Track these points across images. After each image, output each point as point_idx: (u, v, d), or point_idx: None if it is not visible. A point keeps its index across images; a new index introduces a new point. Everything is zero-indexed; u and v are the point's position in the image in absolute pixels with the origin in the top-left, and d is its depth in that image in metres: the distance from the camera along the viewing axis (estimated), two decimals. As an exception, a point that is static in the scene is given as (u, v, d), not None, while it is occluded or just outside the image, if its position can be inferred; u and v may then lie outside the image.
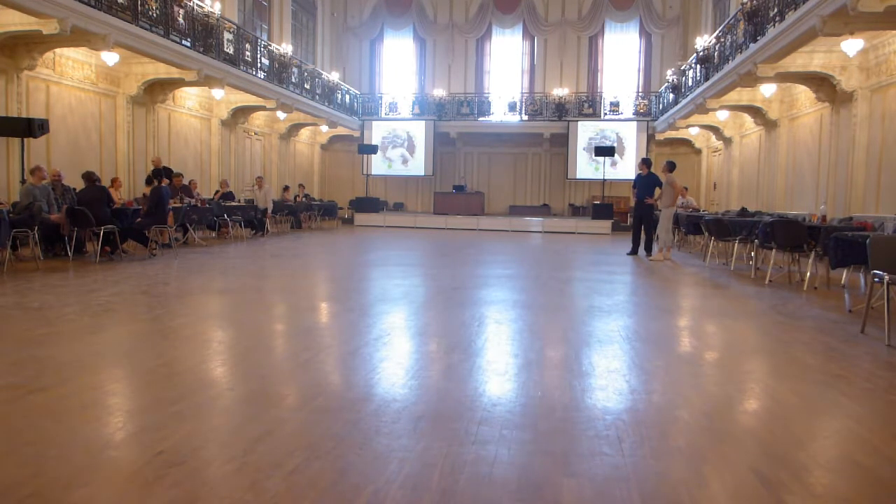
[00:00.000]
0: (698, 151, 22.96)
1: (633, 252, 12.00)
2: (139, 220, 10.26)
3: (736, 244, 9.97)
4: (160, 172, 11.34)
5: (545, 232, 19.58)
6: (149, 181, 11.57)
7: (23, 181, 9.63)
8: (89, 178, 9.50)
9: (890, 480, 2.55)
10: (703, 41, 16.74)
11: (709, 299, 7.39)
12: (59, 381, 3.55)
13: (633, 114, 23.49)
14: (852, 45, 10.14)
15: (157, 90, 14.42)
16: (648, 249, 11.92)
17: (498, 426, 2.98)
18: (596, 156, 21.47)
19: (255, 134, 20.23)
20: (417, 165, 24.76)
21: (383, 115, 25.05)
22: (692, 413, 3.26)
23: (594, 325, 5.48)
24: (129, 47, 11.55)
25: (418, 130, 24.56)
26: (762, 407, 3.50)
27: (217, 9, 14.71)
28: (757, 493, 2.37)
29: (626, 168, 22.49)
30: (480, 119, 24.37)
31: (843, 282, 8.03)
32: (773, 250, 8.52)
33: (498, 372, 3.95)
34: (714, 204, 20.60)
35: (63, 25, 9.68)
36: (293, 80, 18.96)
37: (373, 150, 22.59)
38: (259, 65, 16.92)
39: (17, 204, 9.13)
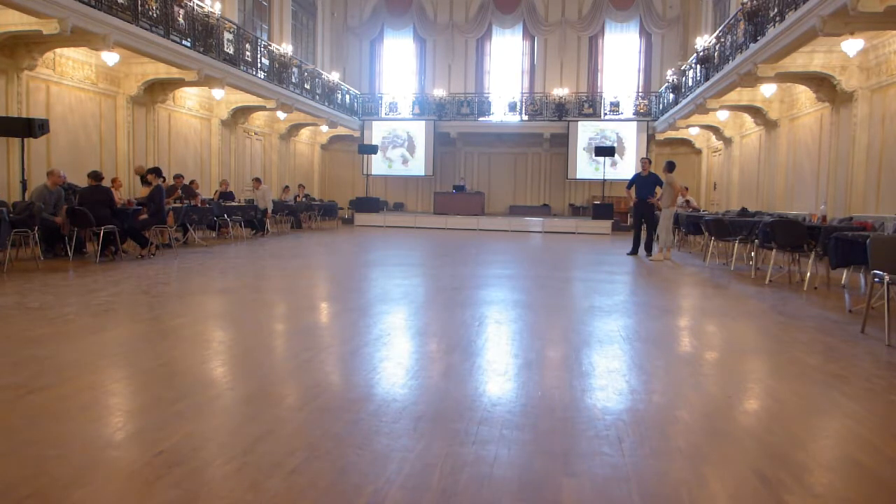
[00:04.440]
0: (698, 151, 22.96)
1: (634, 252, 12.00)
2: (141, 217, 10.26)
3: (736, 244, 9.97)
4: (158, 171, 11.33)
5: (545, 232, 19.58)
6: (145, 182, 11.56)
7: (23, 181, 9.64)
8: (95, 177, 9.49)
9: (890, 480, 2.55)
10: (703, 41, 16.75)
11: (709, 299, 7.39)
12: (59, 381, 3.55)
13: (633, 114, 23.50)
14: (852, 45, 10.14)
15: (157, 90, 14.43)
16: (648, 249, 11.91)
17: (498, 426, 2.98)
18: (596, 156, 21.48)
19: (255, 134, 20.24)
20: (417, 165, 24.77)
21: (383, 115, 25.06)
22: (692, 413, 3.26)
23: (594, 325, 5.48)
24: (129, 47, 11.55)
25: (418, 130, 24.56)
26: (762, 407, 3.50)
27: (217, 9, 14.72)
28: (757, 493, 2.37)
29: (626, 168, 22.48)
30: (480, 119, 24.38)
31: (843, 282, 8.04)
32: (773, 250, 8.52)
33: (498, 372, 3.95)
34: (714, 204, 20.61)
35: (63, 25, 9.68)
36: (293, 80, 18.96)
37: (373, 150, 22.60)
38: (259, 65, 16.93)
39: (17, 204, 9.14)
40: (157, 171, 10.87)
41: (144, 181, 11.68)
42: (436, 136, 24.52)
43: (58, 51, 11.67)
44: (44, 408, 3.12)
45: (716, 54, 15.09)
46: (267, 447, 2.67)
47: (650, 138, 23.26)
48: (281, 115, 19.73)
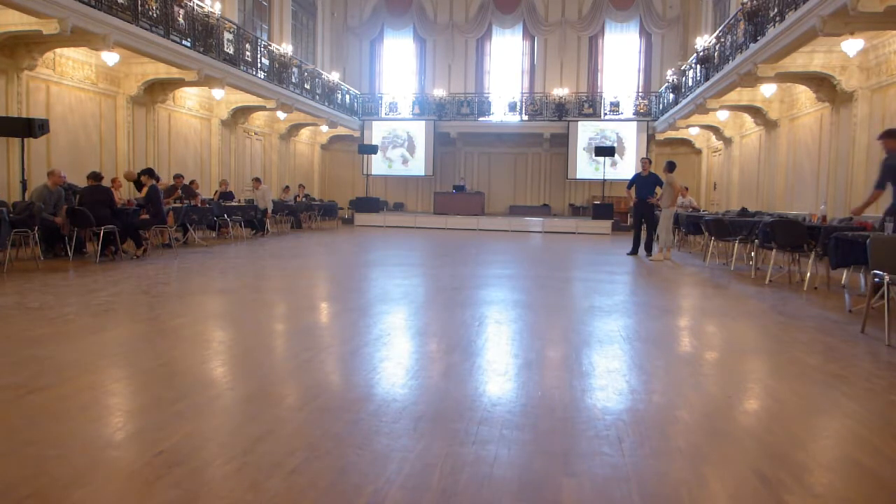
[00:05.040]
0: (698, 151, 22.96)
1: (634, 252, 12.00)
2: (143, 217, 10.26)
3: (736, 244, 9.97)
4: (150, 172, 11.41)
5: (545, 232, 19.58)
6: (138, 185, 11.59)
7: (23, 181, 9.64)
8: (95, 177, 9.51)
9: (890, 480, 2.55)
10: (703, 41, 16.75)
11: (709, 299, 7.39)
12: (59, 381, 3.55)
13: (634, 114, 23.50)
14: (852, 45, 10.14)
15: (157, 90, 14.43)
16: (649, 249, 11.91)
17: (498, 426, 2.98)
18: (596, 156, 21.49)
19: (255, 134, 20.24)
20: (417, 165, 24.77)
21: (383, 115, 25.06)
22: (692, 413, 3.26)
23: (594, 325, 5.48)
24: (129, 47, 11.55)
25: (418, 130, 24.56)
26: (762, 407, 3.50)
27: (217, 9, 14.72)
28: (757, 493, 2.37)
29: (626, 168, 22.50)
30: (480, 119, 24.38)
31: (843, 282, 8.03)
32: (773, 250, 8.52)
33: (498, 372, 3.95)
34: (714, 204, 20.61)
35: (63, 25, 9.68)
36: (293, 80, 18.97)
37: (373, 150, 22.60)
38: (259, 65, 16.93)
39: (17, 204, 9.14)
40: (149, 172, 10.93)
41: (139, 185, 11.68)
42: (436, 136, 24.52)
43: (58, 51, 11.67)
44: (44, 408, 3.12)
45: (716, 54, 15.09)
46: (267, 447, 2.67)
47: (650, 138, 23.26)
48: (281, 115, 19.73)
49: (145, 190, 10.82)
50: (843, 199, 11.91)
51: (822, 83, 12.25)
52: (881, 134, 7.20)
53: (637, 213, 12.00)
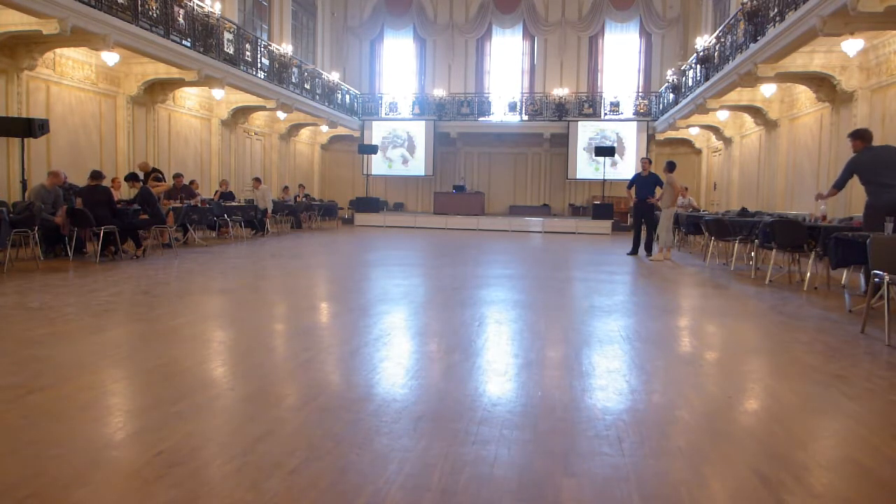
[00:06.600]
0: (698, 151, 22.96)
1: (634, 252, 12.00)
2: (142, 217, 10.27)
3: (736, 244, 9.97)
4: (134, 177, 11.51)
5: (545, 232, 19.58)
6: (140, 181, 11.63)
7: (23, 181, 9.64)
8: (96, 177, 9.51)
9: (890, 480, 2.55)
10: (703, 41, 16.75)
11: (709, 299, 7.39)
12: (59, 381, 3.55)
13: (634, 114, 23.50)
14: (852, 45, 10.14)
15: (157, 90, 14.43)
16: (649, 249, 11.92)
17: (498, 426, 2.98)
18: (596, 156, 21.49)
19: (255, 134, 20.24)
20: (417, 165, 24.77)
21: (383, 115, 25.06)
22: (692, 413, 3.26)
23: (594, 325, 5.48)
24: (129, 47, 11.55)
25: (418, 130, 24.56)
26: (762, 407, 3.50)
27: (217, 9, 14.72)
28: (757, 493, 2.37)
29: (626, 168, 22.50)
30: (480, 119, 24.38)
31: (843, 282, 8.03)
32: (773, 250, 8.52)
33: (498, 372, 3.95)
34: (714, 204, 20.61)
35: (63, 25, 9.68)
36: (293, 80, 18.97)
37: (373, 150, 22.60)
38: (259, 65, 16.93)
39: (17, 204, 9.15)
40: (133, 177, 11.04)
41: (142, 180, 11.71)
42: (436, 136, 24.52)
43: (58, 51, 11.67)
44: (44, 408, 3.12)
45: (716, 54, 15.09)
46: (267, 447, 2.67)
47: (650, 138, 23.26)
48: (281, 115, 19.73)
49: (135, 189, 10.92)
50: (844, 199, 11.89)
51: (822, 83, 12.25)
52: (850, 133, 7.18)
53: (637, 213, 12.00)
